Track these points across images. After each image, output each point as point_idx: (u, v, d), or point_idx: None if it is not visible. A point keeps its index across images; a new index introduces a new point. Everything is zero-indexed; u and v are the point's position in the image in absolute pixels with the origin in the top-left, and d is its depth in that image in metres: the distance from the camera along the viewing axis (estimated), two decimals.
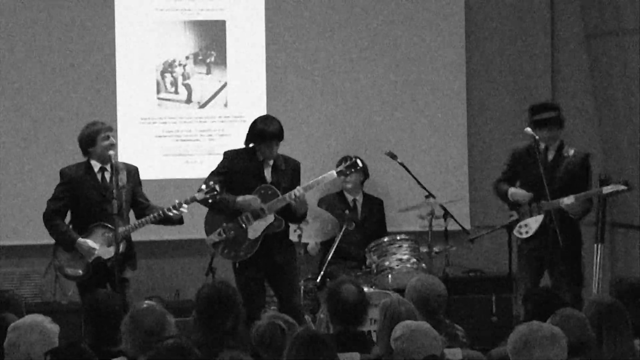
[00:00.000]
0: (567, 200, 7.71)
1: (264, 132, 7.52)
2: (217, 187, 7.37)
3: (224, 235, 7.51)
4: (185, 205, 7.39)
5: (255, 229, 7.53)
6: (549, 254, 7.79)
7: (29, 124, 9.09)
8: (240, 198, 7.50)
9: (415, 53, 9.55)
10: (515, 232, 7.90)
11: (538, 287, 7.57)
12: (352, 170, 7.86)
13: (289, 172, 7.67)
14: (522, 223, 7.86)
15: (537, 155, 7.79)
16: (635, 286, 5.67)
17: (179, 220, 7.50)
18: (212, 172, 7.66)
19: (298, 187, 7.55)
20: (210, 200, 7.41)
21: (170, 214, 7.37)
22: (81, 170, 7.47)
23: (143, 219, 7.42)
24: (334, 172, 7.77)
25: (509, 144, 9.72)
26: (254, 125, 7.61)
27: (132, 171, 7.57)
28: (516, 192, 7.92)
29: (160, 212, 7.38)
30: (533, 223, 7.82)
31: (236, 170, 7.59)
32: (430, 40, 9.56)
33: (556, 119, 7.92)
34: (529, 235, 7.84)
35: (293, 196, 7.48)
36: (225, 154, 7.74)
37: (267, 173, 7.61)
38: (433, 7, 9.57)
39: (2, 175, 9.06)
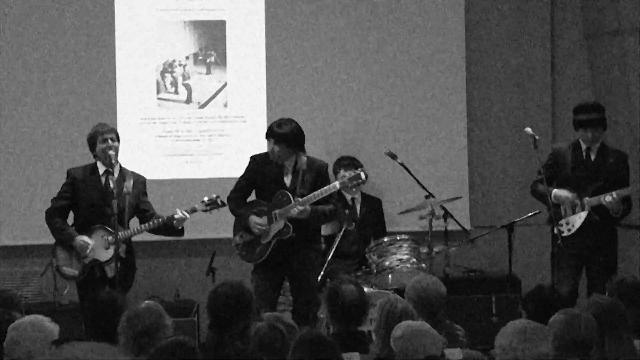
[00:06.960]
0: (609, 197, 7.69)
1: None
2: (219, 201, 7.55)
3: (243, 238, 7.67)
4: (186, 214, 7.46)
5: (268, 234, 7.59)
6: (589, 251, 7.76)
7: (29, 125, 9.09)
8: (250, 218, 7.60)
9: (415, 53, 9.55)
10: (556, 230, 7.75)
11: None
12: (356, 183, 7.75)
13: (312, 176, 7.63)
14: (563, 221, 7.80)
15: (537, 153, 7.74)
16: (636, 286, 5.67)
17: (180, 231, 7.56)
18: (240, 176, 7.77)
19: (296, 205, 7.50)
20: (210, 212, 7.60)
21: (175, 219, 7.42)
22: (87, 171, 7.54)
23: (141, 225, 7.45)
24: (337, 184, 7.68)
25: (509, 144, 9.76)
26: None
27: (139, 181, 7.59)
28: (560, 193, 7.82)
29: (160, 219, 7.43)
30: (577, 220, 7.77)
31: (258, 175, 7.68)
32: (430, 40, 9.56)
33: (601, 120, 7.87)
34: (571, 232, 7.77)
35: (296, 211, 7.49)
36: (251, 158, 7.81)
37: (287, 179, 7.63)
38: (433, 7, 9.57)
39: (2, 175, 9.06)
